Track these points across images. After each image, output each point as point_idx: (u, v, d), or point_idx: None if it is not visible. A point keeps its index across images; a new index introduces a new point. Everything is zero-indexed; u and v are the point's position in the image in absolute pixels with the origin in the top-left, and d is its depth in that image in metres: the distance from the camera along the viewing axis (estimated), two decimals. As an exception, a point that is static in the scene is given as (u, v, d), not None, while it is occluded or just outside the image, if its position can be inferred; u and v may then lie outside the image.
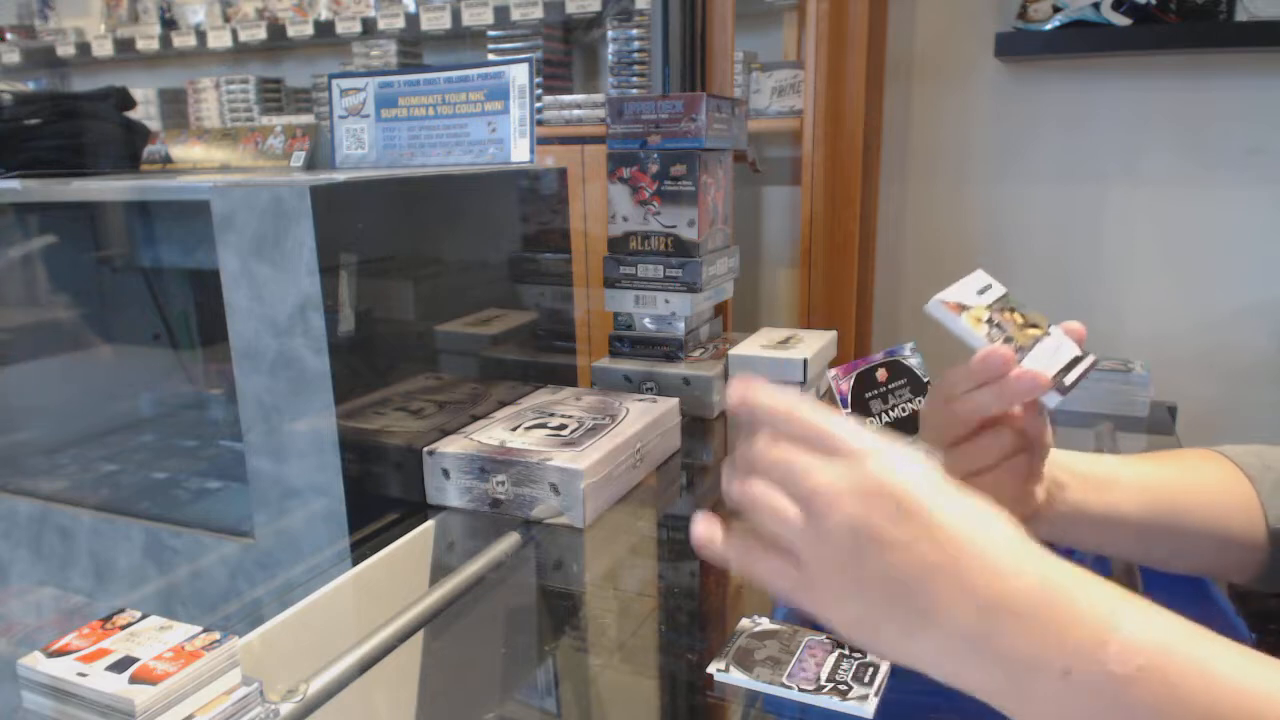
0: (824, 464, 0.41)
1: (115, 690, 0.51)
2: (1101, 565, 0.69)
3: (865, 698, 0.55)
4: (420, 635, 0.68)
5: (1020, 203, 2.12)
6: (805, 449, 0.42)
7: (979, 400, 0.54)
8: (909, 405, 0.78)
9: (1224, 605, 0.67)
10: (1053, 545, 0.40)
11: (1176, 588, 0.69)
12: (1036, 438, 0.56)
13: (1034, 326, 0.56)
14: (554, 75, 2.52)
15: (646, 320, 1.21)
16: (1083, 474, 0.62)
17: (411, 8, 2.65)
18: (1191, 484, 0.64)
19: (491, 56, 2.54)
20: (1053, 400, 0.53)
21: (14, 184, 1.16)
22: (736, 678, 0.59)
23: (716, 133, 1.16)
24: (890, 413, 0.78)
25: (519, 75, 1.08)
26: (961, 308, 0.56)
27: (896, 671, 0.58)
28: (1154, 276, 2.03)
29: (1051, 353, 0.55)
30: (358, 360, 0.85)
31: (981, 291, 0.57)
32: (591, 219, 1.54)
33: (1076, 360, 0.55)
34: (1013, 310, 0.57)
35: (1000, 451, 0.55)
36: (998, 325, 0.56)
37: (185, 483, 1.15)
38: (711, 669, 0.59)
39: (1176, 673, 0.35)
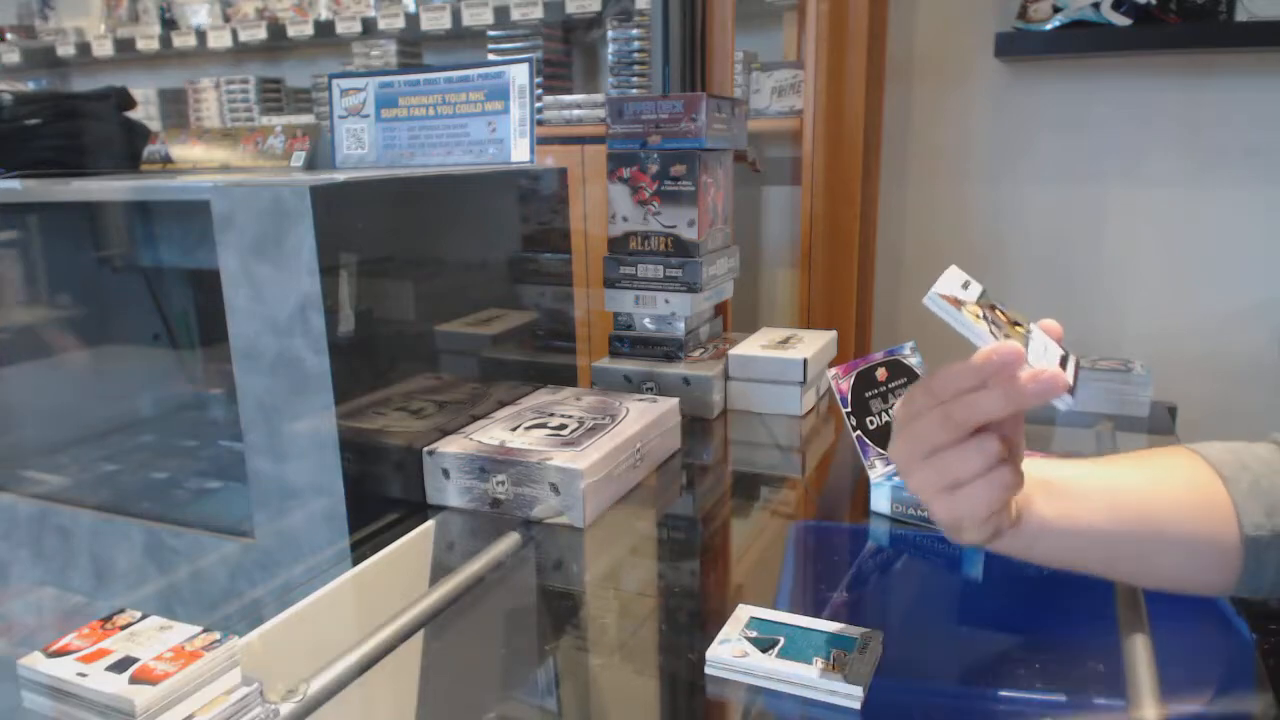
0: None
1: (115, 690, 0.51)
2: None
3: (853, 695, 0.55)
4: (420, 635, 0.68)
5: (1020, 203, 2.12)
6: None
7: (983, 402, 0.48)
8: (909, 405, 0.78)
9: (1224, 607, 0.66)
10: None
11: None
12: (1018, 445, 0.52)
13: (1017, 325, 0.52)
14: (554, 75, 2.52)
15: (646, 320, 1.21)
16: (1042, 480, 0.58)
17: (411, 8, 2.65)
18: (1160, 491, 0.59)
19: (491, 56, 2.54)
20: (1065, 403, 0.48)
21: (14, 184, 1.16)
22: (728, 659, 0.58)
23: (716, 133, 1.16)
24: (890, 412, 0.78)
25: (519, 75, 1.08)
26: (958, 303, 0.50)
27: (886, 667, 0.58)
28: (1154, 276, 2.03)
29: (1043, 353, 0.50)
30: (358, 360, 0.85)
31: (965, 286, 0.52)
32: (591, 219, 1.54)
33: (1064, 359, 0.51)
34: (994, 307, 0.52)
35: (986, 460, 0.49)
36: (992, 323, 0.50)
37: (185, 483, 1.15)
38: (708, 653, 0.59)
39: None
